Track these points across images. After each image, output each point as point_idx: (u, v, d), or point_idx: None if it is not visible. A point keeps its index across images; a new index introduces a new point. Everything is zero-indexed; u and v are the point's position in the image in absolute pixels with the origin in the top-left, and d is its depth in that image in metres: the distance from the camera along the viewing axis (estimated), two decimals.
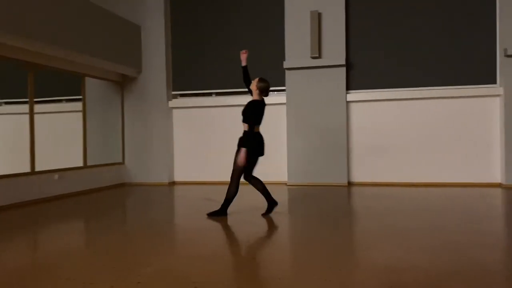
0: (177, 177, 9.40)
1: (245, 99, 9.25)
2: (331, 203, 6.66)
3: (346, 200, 7.04)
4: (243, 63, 5.73)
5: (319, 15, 8.32)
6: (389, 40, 8.35)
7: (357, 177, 8.56)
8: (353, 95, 8.48)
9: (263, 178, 8.87)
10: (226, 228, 5.03)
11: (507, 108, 7.64)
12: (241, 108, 9.17)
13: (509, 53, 7.51)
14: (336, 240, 4.33)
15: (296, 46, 8.48)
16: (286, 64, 8.49)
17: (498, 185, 7.76)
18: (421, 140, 8.19)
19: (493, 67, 7.87)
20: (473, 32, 7.97)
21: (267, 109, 8.96)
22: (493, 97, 7.85)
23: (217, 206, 5.66)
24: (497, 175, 7.84)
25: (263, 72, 8.88)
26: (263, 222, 5.24)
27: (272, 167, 8.83)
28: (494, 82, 7.85)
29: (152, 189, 8.51)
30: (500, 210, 6.05)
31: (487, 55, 7.89)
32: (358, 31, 8.49)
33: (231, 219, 5.41)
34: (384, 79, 8.42)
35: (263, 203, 5.78)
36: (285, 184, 8.60)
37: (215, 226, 5.11)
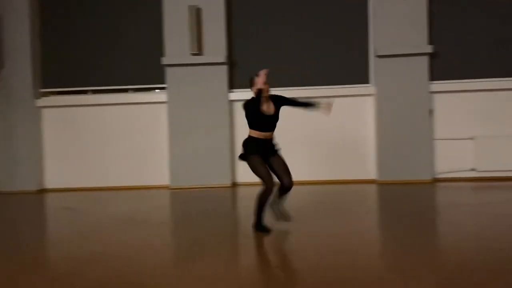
0: (49, 184, 8.49)
1: (127, 97, 8.71)
2: (208, 206, 6.40)
3: (222, 202, 6.84)
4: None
5: (198, 10, 7.99)
6: (270, 39, 8.27)
7: (243, 177, 8.38)
8: (237, 94, 8.28)
9: (142, 182, 8.49)
10: (64, 241, 4.47)
11: (379, 107, 7.94)
12: (121, 107, 8.69)
13: (379, 53, 7.81)
14: (188, 245, 4.03)
15: (176, 42, 8.07)
16: (165, 61, 8.05)
17: (373, 182, 8.04)
18: (300, 138, 8.20)
19: (366, 68, 8.14)
20: (348, 33, 8.16)
21: (144, 108, 8.57)
22: (366, 97, 8.12)
23: (79, 216, 5.11)
24: (371, 172, 8.13)
25: (141, 68, 8.42)
26: (125, 230, 4.77)
27: (152, 170, 8.38)
28: (367, 82, 8.12)
29: (13, 198, 7.57)
30: (366, 206, 6.20)
31: (360, 55, 8.13)
32: (241, 29, 8.31)
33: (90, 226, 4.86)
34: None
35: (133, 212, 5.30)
36: (168, 187, 8.17)
37: (53, 241, 4.53)
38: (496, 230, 4.43)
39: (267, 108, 4.59)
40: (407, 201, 6.37)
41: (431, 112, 7.93)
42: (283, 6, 8.26)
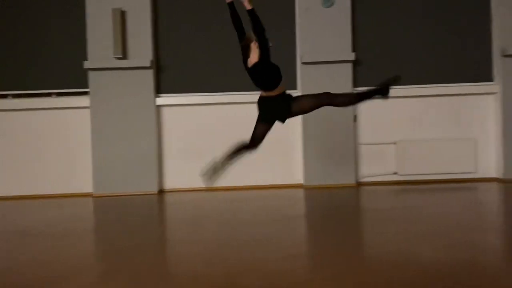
0: None
1: (50, 102, 8.32)
2: (127, 214, 6.25)
3: (142, 210, 6.70)
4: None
5: (123, 13, 7.81)
6: (198, 43, 8.20)
7: (170, 183, 8.23)
8: (164, 99, 8.16)
9: (65, 190, 8.14)
10: None
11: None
12: (44, 112, 8.28)
13: (304, 60, 7.92)
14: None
15: (99, 46, 7.84)
16: (87, 64, 7.80)
17: (300, 186, 8.11)
18: (227, 142, 8.15)
19: (294, 74, 8.20)
20: (277, 40, 8.08)
21: (67, 113, 8.25)
22: None
23: None
24: (299, 177, 8.19)
25: (65, 72, 8.12)
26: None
27: (76, 177, 8.09)
28: (295, 88, 8.18)
29: None
30: (292, 211, 6.23)
31: (288, 62, 8.15)
32: (168, 32, 8.19)
33: None
34: (195, 83, 8.23)
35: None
36: (91, 195, 7.88)
37: None
38: (412, 234, 4.51)
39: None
40: (331, 206, 6.51)
41: (355, 117, 8.11)
42: (210, 10, 8.19)
